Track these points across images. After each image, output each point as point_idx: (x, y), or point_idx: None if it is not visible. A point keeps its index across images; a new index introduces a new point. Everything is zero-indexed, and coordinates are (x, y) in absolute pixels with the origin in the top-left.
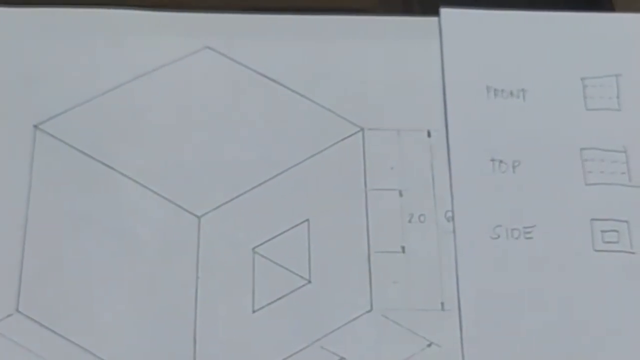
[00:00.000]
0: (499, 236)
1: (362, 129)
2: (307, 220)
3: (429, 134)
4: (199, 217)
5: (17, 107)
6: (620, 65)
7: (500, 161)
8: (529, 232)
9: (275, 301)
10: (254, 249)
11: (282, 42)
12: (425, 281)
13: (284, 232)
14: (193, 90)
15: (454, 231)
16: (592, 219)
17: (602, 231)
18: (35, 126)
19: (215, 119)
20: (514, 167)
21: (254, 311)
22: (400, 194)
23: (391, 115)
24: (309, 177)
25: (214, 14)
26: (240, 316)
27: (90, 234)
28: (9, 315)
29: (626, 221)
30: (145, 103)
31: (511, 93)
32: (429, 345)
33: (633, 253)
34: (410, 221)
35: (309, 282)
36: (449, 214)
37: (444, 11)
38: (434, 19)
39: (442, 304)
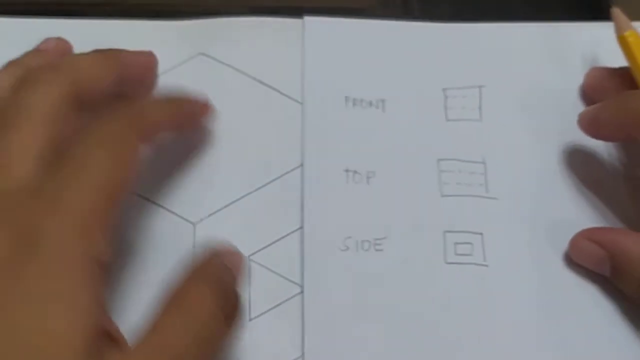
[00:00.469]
0: (348, 248)
1: None
2: (302, 227)
3: None
4: (194, 224)
5: None
6: (483, 76)
7: (355, 172)
8: (379, 244)
9: (271, 309)
10: (249, 256)
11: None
12: None
13: (280, 239)
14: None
15: (301, 241)
16: (446, 231)
17: (456, 243)
18: None
19: (210, 125)
20: (368, 178)
21: (250, 319)
22: None
23: None
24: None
25: (207, 19)
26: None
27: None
28: None
29: (480, 233)
30: None
31: (370, 103)
32: None
33: (485, 265)
34: None
35: (303, 289)
36: None
37: (307, 19)
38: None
39: None
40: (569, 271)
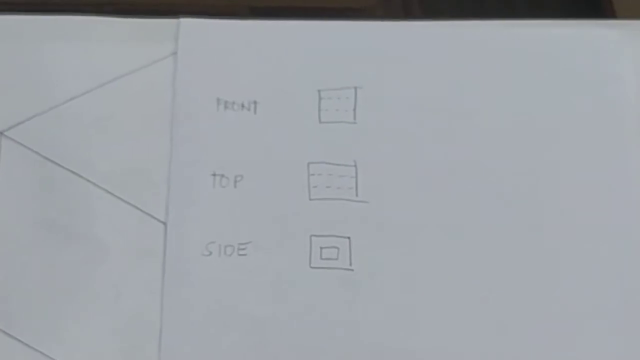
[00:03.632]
0: (211, 253)
1: None
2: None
3: None
4: (164, 223)
5: None
6: (360, 78)
7: (222, 175)
8: (243, 249)
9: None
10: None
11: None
12: None
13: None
14: (161, 96)
15: (164, 247)
16: (312, 235)
17: (322, 247)
18: (1, 133)
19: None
20: (235, 181)
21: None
22: None
23: None
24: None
25: (180, 19)
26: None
27: (55, 240)
28: None
29: (348, 237)
30: (112, 110)
31: (242, 105)
32: None
33: (351, 270)
34: None
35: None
36: None
37: (183, 21)
38: None
39: None
40: (438, 276)
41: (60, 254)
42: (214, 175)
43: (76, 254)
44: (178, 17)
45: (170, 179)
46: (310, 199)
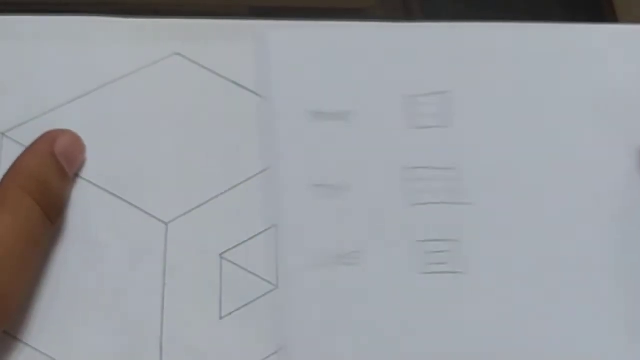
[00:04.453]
0: (324, 263)
1: None
2: (275, 226)
3: None
4: (166, 224)
5: None
6: (448, 82)
7: (325, 186)
8: (354, 258)
9: (242, 307)
10: (221, 254)
11: (249, 48)
12: None
13: (252, 237)
14: (162, 97)
15: (276, 259)
16: (419, 241)
17: (429, 252)
18: (2, 134)
19: (183, 125)
20: (338, 192)
21: (221, 317)
22: None
23: None
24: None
25: (183, 19)
26: (207, 323)
27: (57, 241)
28: None
29: (455, 240)
30: (113, 110)
31: (335, 115)
32: None
33: (461, 273)
34: None
35: (277, 287)
36: None
37: (272, 35)
38: None
39: None
40: (547, 275)
41: (60, 254)
42: (317, 185)
43: (76, 255)
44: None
45: (273, 192)
46: (412, 205)
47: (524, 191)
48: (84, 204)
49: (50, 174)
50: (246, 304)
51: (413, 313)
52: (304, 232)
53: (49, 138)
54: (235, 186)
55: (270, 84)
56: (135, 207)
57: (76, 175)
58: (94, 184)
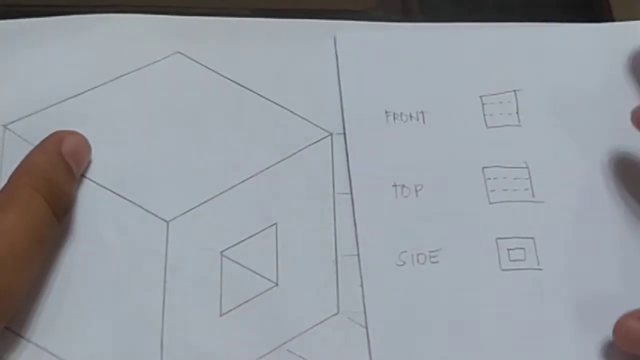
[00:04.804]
0: (404, 262)
1: (330, 134)
2: (275, 224)
3: None
4: (167, 222)
5: None
6: (518, 80)
7: (403, 186)
8: (434, 256)
9: (242, 304)
10: (222, 252)
11: (252, 48)
12: None
13: (252, 235)
14: (163, 94)
15: (358, 260)
16: (498, 238)
17: (508, 249)
18: (4, 126)
19: (184, 123)
20: (416, 191)
21: (221, 315)
22: None
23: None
24: (278, 182)
25: (185, 17)
26: (207, 320)
27: (59, 239)
28: None
29: (532, 238)
30: (115, 107)
31: (410, 116)
32: None
33: (540, 270)
34: None
35: (276, 284)
36: None
37: (339, 37)
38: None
39: None
40: (624, 271)
41: (62, 251)
42: (395, 185)
43: (79, 252)
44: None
45: (353, 192)
46: (490, 203)
47: (591, 189)
48: (86, 201)
49: (59, 173)
50: (246, 301)
51: (495, 309)
52: (385, 230)
53: (57, 138)
54: (236, 185)
55: (341, 86)
56: (137, 205)
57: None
58: (95, 182)
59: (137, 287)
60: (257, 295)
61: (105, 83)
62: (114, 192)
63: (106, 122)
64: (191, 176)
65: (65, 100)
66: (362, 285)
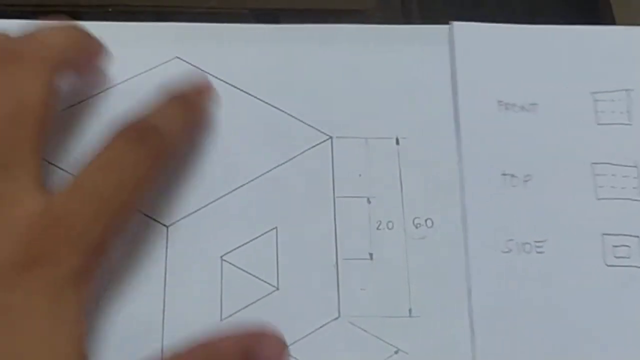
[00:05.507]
0: (510, 250)
1: (330, 137)
2: (275, 228)
3: (397, 142)
4: (167, 227)
5: None
6: (631, 80)
7: (512, 175)
8: (540, 247)
9: (243, 309)
10: (222, 257)
11: (250, 52)
12: (393, 288)
13: (252, 240)
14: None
15: (465, 245)
16: (604, 234)
17: (614, 246)
18: None
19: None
20: (525, 181)
21: (221, 319)
22: (369, 201)
23: (359, 123)
24: (277, 185)
25: (184, 24)
26: (208, 324)
27: None
28: None
29: (637, 236)
30: (115, 114)
31: (522, 107)
32: (397, 352)
33: None
34: (378, 228)
35: (277, 289)
36: (417, 220)
37: (456, 25)
38: (395, 27)
39: (410, 310)
40: None
41: None
42: (504, 174)
43: None
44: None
45: (462, 179)
46: (597, 199)
47: None
48: None
49: None
50: (247, 305)
51: (598, 303)
52: (492, 218)
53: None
54: (235, 189)
55: (456, 75)
56: (136, 209)
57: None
58: None
59: (137, 292)
60: (258, 300)
61: (105, 90)
62: None
63: (107, 128)
64: (190, 180)
65: (65, 108)
66: (467, 270)
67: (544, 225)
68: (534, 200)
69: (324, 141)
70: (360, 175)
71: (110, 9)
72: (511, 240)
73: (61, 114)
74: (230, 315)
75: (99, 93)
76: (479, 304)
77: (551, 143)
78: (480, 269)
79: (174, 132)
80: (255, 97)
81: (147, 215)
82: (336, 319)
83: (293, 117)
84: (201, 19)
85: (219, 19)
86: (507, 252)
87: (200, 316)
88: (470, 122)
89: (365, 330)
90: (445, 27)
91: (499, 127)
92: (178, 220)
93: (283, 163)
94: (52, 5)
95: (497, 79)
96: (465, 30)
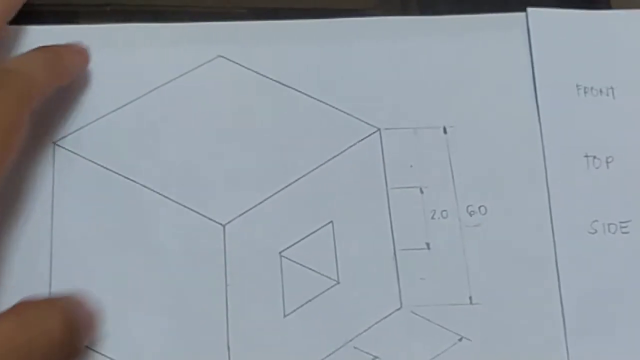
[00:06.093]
0: (596, 231)
1: (378, 129)
2: (331, 222)
3: (444, 131)
4: (223, 226)
5: (36, 125)
6: None
7: (594, 157)
8: (625, 227)
9: (305, 304)
10: (280, 253)
11: (293, 47)
12: (452, 276)
13: (309, 235)
14: (209, 99)
15: (552, 227)
16: None
17: None
18: (55, 143)
19: (232, 126)
20: (607, 162)
21: (285, 315)
22: (421, 191)
23: (407, 114)
24: (330, 180)
25: (226, 22)
26: (272, 321)
27: (115, 247)
28: None
29: None
30: (162, 114)
31: (600, 91)
32: (460, 340)
33: None
34: (433, 217)
35: (338, 282)
36: (471, 208)
37: (531, 11)
38: (433, 17)
39: (470, 297)
40: None
41: (120, 259)
42: (587, 156)
43: (138, 258)
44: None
45: (546, 162)
46: None
47: None
48: (143, 208)
49: None
50: (309, 301)
51: None
52: (577, 199)
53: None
54: (287, 185)
55: (534, 59)
56: (192, 210)
57: (133, 181)
58: (148, 188)
59: (200, 291)
60: (319, 294)
61: (149, 92)
62: (168, 198)
63: (155, 129)
64: (243, 179)
65: (113, 112)
66: (555, 253)
67: (627, 206)
68: (618, 181)
69: (373, 133)
70: (411, 165)
71: (108, 8)
72: (596, 221)
73: (110, 117)
74: (293, 311)
75: (143, 96)
76: (569, 285)
77: (631, 125)
78: (567, 250)
79: (34, 74)
80: (301, 91)
81: (203, 215)
82: (399, 309)
83: (340, 110)
84: (198, 19)
85: (216, 18)
86: (592, 233)
87: (264, 313)
88: (550, 107)
89: (428, 319)
90: (512, 14)
91: (578, 111)
92: (234, 219)
93: (333, 157)
94: (49, 4)
95: (574, 64)
96: (540, 16)
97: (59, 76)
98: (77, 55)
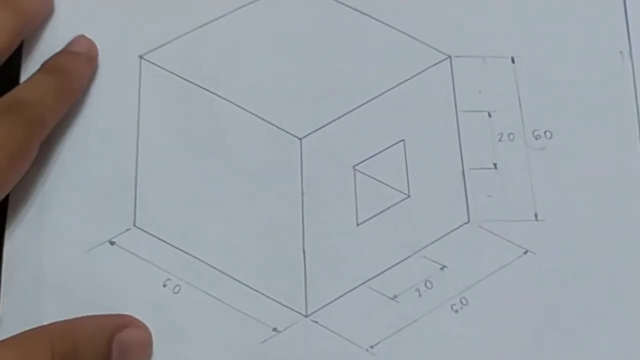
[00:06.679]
0: None
1: (449, 57)
2: (403, 140)
3: (512, 60)
4: (300, 139)
5: (123, 39)
6: None
7: None
8: None
9: (377, 214)
10: (354, 166)
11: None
12: (518, 194)
13: (382, 151)
14: (288, 21)
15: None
16: None
17: None
18: (141, 56)
19: (308, 48)
20: None
21: (357, 224)
22: (489, 115)
23: (476, 43)
24: (402, 101)
25: None
26: (346, 228)
27: (196, 154)
28: (127, 230)
29: None
30: (244, 32)
31: None
32: (525, 253)
33: None
34: (500, 140)
35: (408, 196)
36: (537, 132)
37: None
38: None
39: (536, 214)
40: None
41: (200, 168)
42: None
43: (214, 168)
44: None
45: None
46: None
47: None
48: (220, 119)
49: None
50: (381, 212)
51: None
52: None
53: (119, 321)
54: (363, 104)
55: (627, 3)
56: (270, 123)
57: (211, 92)
58: (229, 101)
59: (276, 198)
60: (391, 206)
61: (230, 12)
62: (247, 111)
63: (237, 46)
64: (320, 96)
65: (195, 29)
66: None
67: None
68: None
69: (444, 60)
70: (480, 91)
71: None
72: None
73: (195, 33)
74: (366, 221)
75: (224, 16)
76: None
77: None
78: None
79: (44, 101)
80: (373, 17)
81: (280, 128)
82: (466, 223)
83: (412, 37)
84: None
85: None
86: None
87: (338, 221)
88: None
89: (494, 233)
90: None
91: None
92: (311, 133)
93: (405, 80)
94: None
95: None
96: None
97: (70, 98)
98: (87, 65)
